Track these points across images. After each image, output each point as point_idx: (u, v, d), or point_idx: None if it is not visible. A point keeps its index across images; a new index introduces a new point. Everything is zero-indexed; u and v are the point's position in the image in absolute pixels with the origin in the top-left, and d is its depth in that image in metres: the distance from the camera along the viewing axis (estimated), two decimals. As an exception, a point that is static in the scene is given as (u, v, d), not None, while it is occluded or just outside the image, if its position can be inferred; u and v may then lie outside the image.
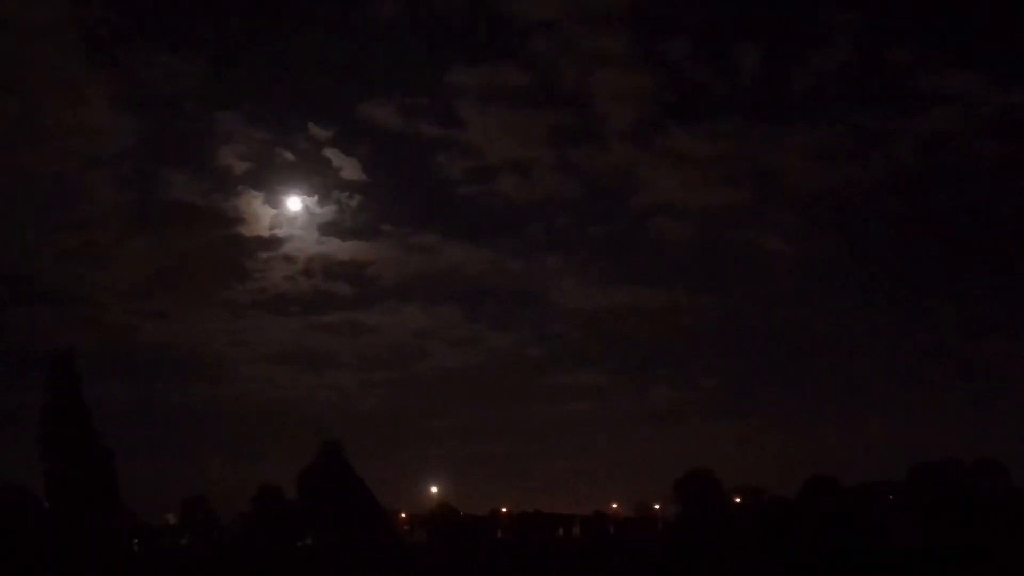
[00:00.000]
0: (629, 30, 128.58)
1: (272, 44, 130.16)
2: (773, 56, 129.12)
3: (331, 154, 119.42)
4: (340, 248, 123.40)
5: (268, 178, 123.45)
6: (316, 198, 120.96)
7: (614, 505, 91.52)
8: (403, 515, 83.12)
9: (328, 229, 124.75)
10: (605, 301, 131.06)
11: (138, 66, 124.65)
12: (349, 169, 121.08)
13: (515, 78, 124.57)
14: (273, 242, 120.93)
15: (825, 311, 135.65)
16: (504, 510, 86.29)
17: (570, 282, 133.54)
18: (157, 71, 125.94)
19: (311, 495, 54.00)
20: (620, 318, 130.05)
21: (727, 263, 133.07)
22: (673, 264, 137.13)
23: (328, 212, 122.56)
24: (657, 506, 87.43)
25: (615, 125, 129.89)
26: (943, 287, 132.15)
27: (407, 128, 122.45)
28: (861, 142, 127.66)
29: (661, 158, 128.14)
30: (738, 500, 76.22)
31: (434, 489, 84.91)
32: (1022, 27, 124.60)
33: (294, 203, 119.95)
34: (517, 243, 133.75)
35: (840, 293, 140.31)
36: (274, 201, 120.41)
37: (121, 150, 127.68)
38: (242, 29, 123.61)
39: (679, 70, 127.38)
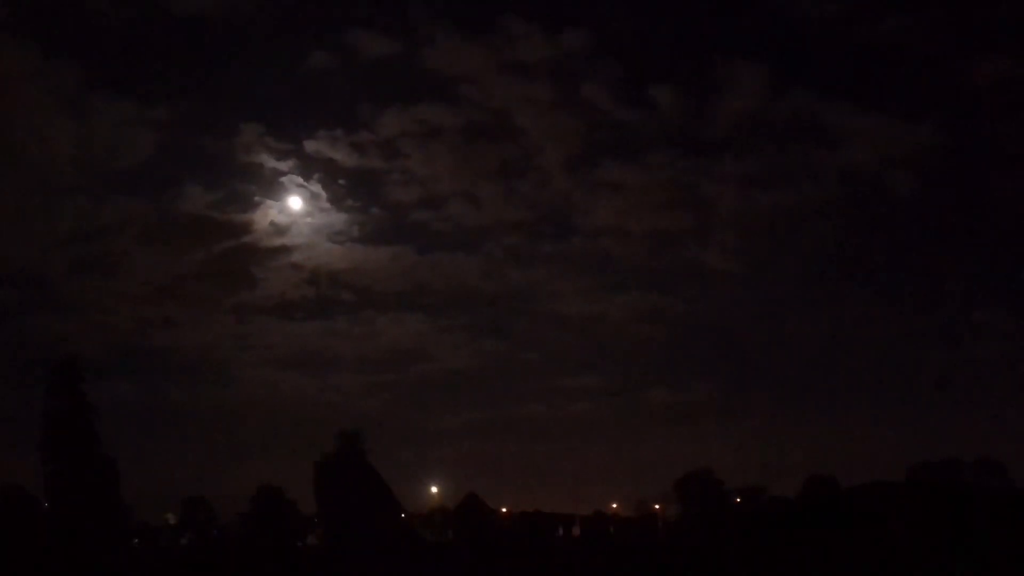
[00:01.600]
0: (550, 78, 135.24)
1: (221, 93, 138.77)
2: (689, 99, 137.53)
3: (287, 181, 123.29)
4: (344, 257, 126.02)
5: (278, 190, 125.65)
6: (319, 208, 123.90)
7: (614, 505, 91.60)
8: (402, 515, 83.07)
9: (335, 238, 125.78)
10: (591, 309, 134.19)
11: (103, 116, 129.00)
12: (308, 197, 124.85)
13: (450, 120, 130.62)
14: (282, 251, 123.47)
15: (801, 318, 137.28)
16: (504, 510, 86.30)
17: (547, 292, 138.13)
18: (118, 117, 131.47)
19: (328, 487, 53.27)
20: (607, 325, 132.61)
21: (679, 279, 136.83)
22: (629, 277, 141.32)
23: (337, 222, 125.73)
24: (657, 506, 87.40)
25: (551, 160, 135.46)
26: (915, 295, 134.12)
27: (355, 162, 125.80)
28: (785, 172, 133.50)
29: (600, 188, 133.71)
30: (738, 500, 76.24)
31: (434, 489, 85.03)
32: (919, 71, 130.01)
33: (303, 213, 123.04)
34: (477, 260, 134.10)
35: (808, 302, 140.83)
36: (285, 212, 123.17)
37: (134, 165, 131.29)
38: (194, 79, 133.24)
39: (603, 112, 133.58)
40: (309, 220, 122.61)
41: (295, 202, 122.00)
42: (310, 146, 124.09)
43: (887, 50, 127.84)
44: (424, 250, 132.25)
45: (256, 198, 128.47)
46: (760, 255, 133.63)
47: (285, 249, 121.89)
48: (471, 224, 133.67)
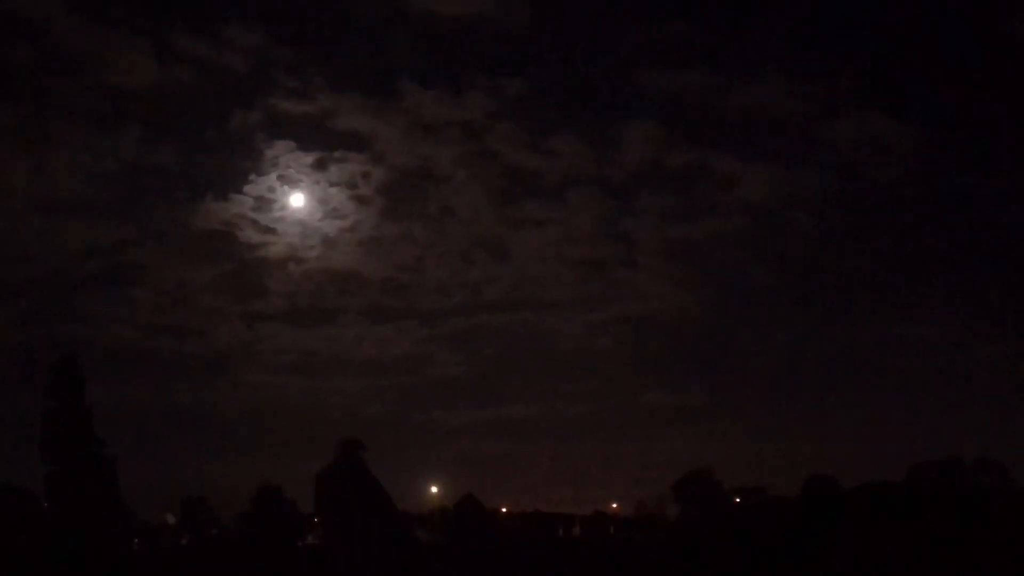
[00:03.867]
0: (458, 134, 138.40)
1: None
2: (591, 149, 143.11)
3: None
4: (348, 265, 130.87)
5: (286, 200, 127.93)
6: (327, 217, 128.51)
7: (614, 505, 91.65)
8: (400, 517, 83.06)
9: (342, 247, 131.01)
10: (573, 317, 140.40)
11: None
12: (313, 206, 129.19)
13: (372, 168, 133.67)
14: (291, 260, 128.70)
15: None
16: (504, 510, 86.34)
17: (528, 301, 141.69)
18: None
19: (328, 497, 53.32)
20: (593, 331, 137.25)
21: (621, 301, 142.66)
22: (586, 292, 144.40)
23: (344, 233, 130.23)
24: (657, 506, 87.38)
25: (476, 199, 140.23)
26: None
27: (297, 203, 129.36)
28: (692, 210, 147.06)
29: (525, 224, 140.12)
30: (738, 500, 76.17)
31: (434, 489, 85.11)
32: (789, 129, 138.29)
33: (312, 222, 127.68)
34: (423, 279, 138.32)
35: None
36: (294, 221, 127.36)
37: (149, 179, 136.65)
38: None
39: (515, 160, 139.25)
40: (317, 230, 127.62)
41: (302, 211, 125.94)
42: (249, 188, 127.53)
43: (757, 111, 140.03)
44: (381, 269, 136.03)
45: (271, 207, 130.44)
46: (688, 281, 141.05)
47: (295, 259, 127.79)
48: (411, 252, 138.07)
